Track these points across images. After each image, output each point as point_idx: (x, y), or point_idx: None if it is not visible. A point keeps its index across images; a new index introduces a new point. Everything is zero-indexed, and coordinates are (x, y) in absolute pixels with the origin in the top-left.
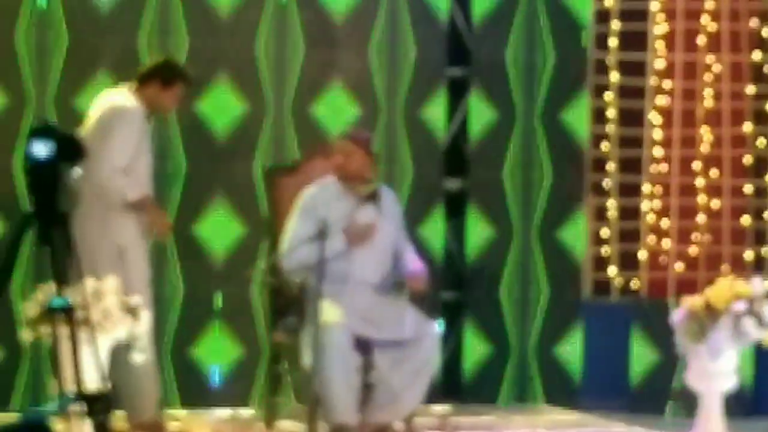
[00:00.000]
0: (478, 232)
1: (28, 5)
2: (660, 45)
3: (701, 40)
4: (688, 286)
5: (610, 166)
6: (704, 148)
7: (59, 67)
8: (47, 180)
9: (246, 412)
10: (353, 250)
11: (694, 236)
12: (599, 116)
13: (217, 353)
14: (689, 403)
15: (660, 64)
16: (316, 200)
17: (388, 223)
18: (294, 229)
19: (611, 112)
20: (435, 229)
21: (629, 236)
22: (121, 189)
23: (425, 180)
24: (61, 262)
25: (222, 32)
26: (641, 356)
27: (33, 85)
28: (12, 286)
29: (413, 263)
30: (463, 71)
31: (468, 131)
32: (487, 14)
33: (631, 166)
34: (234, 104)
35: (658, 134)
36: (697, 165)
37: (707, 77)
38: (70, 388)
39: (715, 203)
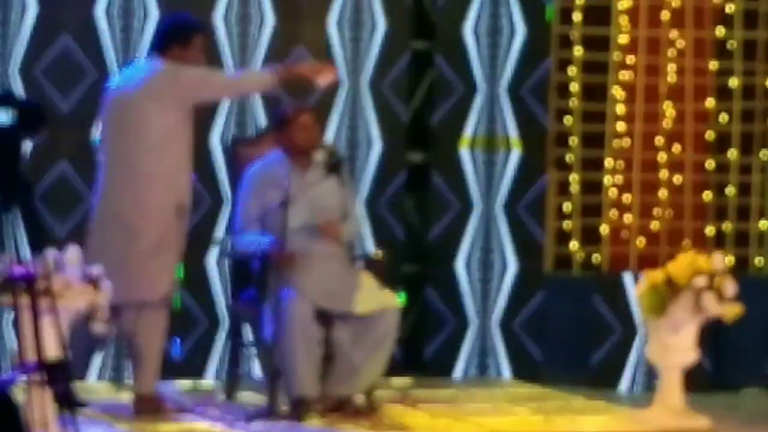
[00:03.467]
0: (440, 204)
1: None
2: (624, 20)
3: (665, 15)
4: (649, 261)
5: (573, 140)
6: (667, 123)
7: (24, 37)
8: (9, 148)
9: (206, 384)
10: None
11: (656, 211)
12: (562, 90)
13: (177, 324)
14: None
15: (623, 39)
16: (264, 177)
17: (347, 194)
18: (244, 207)
19: (574, 87)
20: (397, 202)
21: (591, 211)
22: None
23: (388, 152)
24: (23, 231)
25: (183, 1)
26: (602, 330)
27: None
28: None
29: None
30: (427, 44)
31: (432, 104)
32: None
33: (594, 140)
34: None
35: (621, 109)
36: (659, 140)
37: (670, 53)
38: (31, 357)
39: (677, 178)
